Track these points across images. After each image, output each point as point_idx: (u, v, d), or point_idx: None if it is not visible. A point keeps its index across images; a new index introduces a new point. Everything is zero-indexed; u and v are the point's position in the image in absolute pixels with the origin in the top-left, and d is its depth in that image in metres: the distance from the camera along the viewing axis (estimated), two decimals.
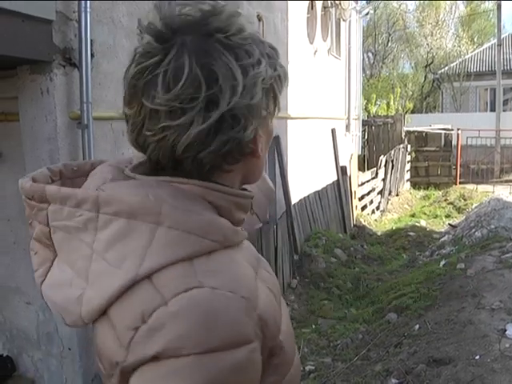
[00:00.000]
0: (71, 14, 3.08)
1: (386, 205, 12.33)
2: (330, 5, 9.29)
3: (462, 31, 27.76)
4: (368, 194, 11.26)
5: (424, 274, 6.17)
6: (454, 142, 15.65)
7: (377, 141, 15.21)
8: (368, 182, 11.25)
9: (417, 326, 4.58)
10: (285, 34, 7.04)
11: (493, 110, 20.02)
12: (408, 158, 15.01)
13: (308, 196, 7.77)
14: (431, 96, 28.04)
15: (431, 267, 6.46)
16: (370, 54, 28.76)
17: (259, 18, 5.95)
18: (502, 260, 5.67)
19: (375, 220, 11.22)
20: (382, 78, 26.98)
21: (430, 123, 17.11)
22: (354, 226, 9.86)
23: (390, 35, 28.79)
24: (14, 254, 3.53)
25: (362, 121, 13.49)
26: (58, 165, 0.87)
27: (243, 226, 0.86)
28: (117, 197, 0.72)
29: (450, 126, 16.01)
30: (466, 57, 23.86)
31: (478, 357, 3.62)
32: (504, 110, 19.60)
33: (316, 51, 8.56)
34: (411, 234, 9.79)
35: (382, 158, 12.10)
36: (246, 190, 0.86)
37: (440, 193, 13.97)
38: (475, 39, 28.63)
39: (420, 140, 15.79)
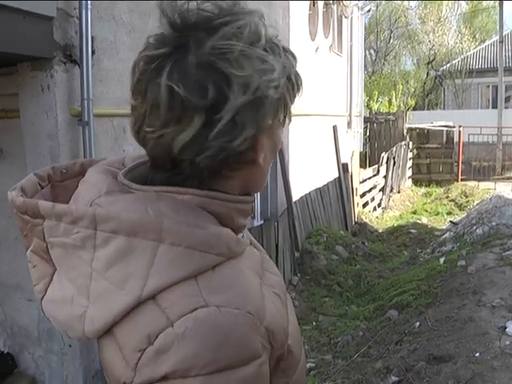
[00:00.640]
0: (72, 10, 3.08)
1: (388, 202, 12.32)
2: (331, 2, 9.27)
3: (463, 28, 27.66)
4: (369, 191, 11.25)
5: (425, 272, 6.17)
6: (455, 139, 15.61)
7: (378, 138, 15.19)
8: (369, 179, 11.24)
9: (417, 324, 4.58)
10: (286, 31, 7.03)
11: (495, 106, 19.97)
12: (410, 155, 15.00)
13: (309, 193, 7.77)
14: (433, 93, 27.99)
15: (432, 264, 6.46)
16: (371, 51, 28.70)
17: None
18: (503, 257, 5.67)
19: (376, 217, 11.22)
20: (383, 74, 26.92)
21: (432, 120, 17.06)
22: (356, 223, 9.86)
23: (391, 32, 28.72)
24: (16, 251, 3.53)
25: (364, 118, 13.47)
26: (46, 168, 0.85)
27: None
28: (114, 214, 0.70)
29: (451, 123, 15.97)
30: (468, 54, 23.79)
31: (478, 354, 3.62)
32: (506, 107, 19.54)
33: (318, 48, 8.54)
34: (412, 231, 9.79)
35: (384, 155, 12.08)
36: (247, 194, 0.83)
37: (441, 190, 13.97)
38: (477, 36, 28.55)
39: (422, 137, 15.77)
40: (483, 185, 13.82)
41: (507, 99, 21.27)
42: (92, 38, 3.13)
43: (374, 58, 28.89)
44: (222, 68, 0.69)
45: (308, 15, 8.12)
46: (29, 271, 0.81)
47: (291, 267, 6.57)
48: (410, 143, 15.04)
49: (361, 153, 12.18)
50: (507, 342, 3.72)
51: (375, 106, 18.19)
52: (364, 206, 10.84)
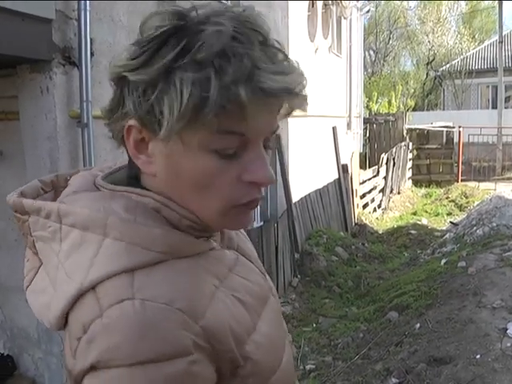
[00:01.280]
0: (71, 12, 3.08)
1: (388, 203, 12.32)
2: (330, 2, 9.28)
3: (463, 28, 27.70)
4: (369, 192, 11.24)
5: (425, 273, 6.17)
6: (455, 140, 15.60)
7: (378, 139, 15.20)
8: (369, 180, 11.23)
9: (417, 325, 4.57)
10: (285, 31, 7.04)
11: (494, 107, 19.98)
12: (409, 155, 14.99)
13: (309, 194, 7.76)
14: (433, 93, 28.00)
15: (432, 265, 6.45)
16: (371, 52, 28.73)
17: None
18: (504, 258, 5.66)
19: (376, 218, 11.21)
20: (383, 75, 26.93)
21: (432, 121, 17.06)
22: (355, 224, 9.85)
23: (391, 33, 28.73)
24: (15, 253, 3.53)
25: (364, 119, 13.49)
26: (51, 176, 0.88)
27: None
28: (73, 209, 0.74)
29: (451, 124, 15.96)
30: (468, 54, 23.82)
31: (478, 356, 3.61)
32: (506, 107, 19.54)
33: (317, 49, 8.55)
34: (412, 232, 9.78)
35: (384, 156, 12.07)
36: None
37: (441, 190, 13.95)
38: (476, 36, 28.58)
39: (421, 138, 15.76)
40: (483, 185, 13.80)
41: (507, 99, 21.30)
42: (91, 39, 3.13)
43: (373, 59, 28.90)
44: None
45: (307, 16, 8.13)
46: None
47: (291, 268, 6.56)
48: (410, 144, 15.03)
49: (360, 154, 12.19)
50: (508, 344, 3.71)
51: (375, 107, 18.21)
52: (364, 207, 10.83)
